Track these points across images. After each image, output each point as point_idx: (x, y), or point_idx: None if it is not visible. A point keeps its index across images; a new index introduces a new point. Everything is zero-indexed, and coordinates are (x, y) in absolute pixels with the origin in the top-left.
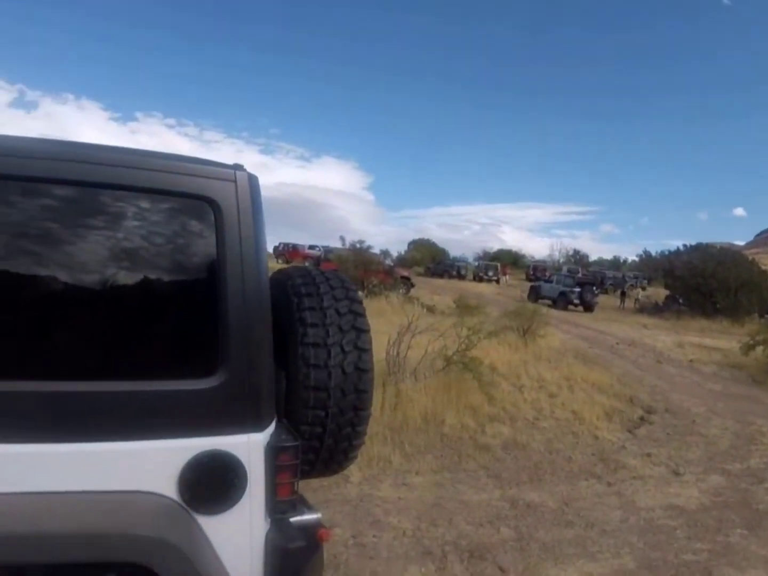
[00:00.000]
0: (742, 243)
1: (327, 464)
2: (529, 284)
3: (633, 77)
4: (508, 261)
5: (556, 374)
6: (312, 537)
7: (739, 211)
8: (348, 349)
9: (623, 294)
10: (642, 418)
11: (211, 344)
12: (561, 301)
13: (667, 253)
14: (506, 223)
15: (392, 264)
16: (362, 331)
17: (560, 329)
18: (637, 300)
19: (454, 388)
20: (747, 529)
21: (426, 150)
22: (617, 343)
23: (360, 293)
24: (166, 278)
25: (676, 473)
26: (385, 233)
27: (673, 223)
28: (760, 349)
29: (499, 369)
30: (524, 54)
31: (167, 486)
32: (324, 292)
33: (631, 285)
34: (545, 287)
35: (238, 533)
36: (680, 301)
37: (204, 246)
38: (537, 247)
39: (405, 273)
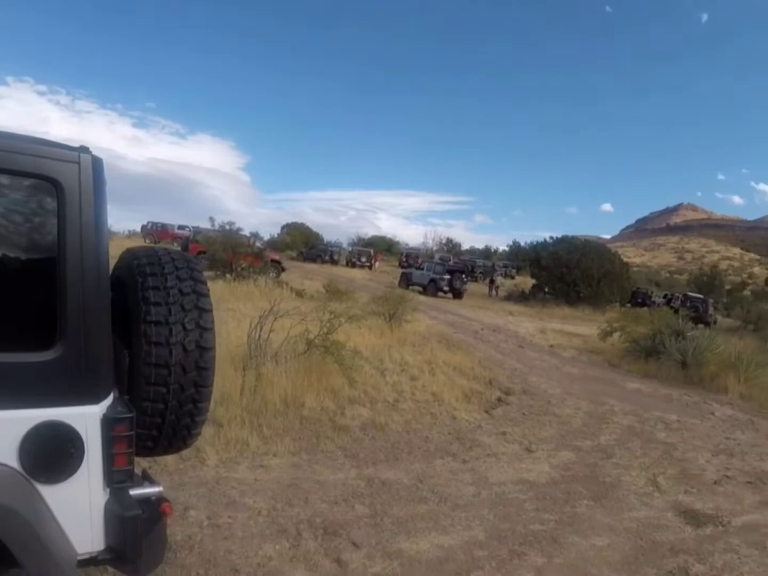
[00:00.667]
0: (608, 236)
1: (171, 441)
2: (401, 271)
3: (512, 81)
4: (382, 247)
5: (419, 358)
6: (152, 509)
7: (607, 207)
8: (190, 328)
9: (492, 282)
10: (500, 399)
11: (49, 319)
12: (431, 288)
13: (535, 243)
14: (383, 209)
15: (263, 247)
16: (204, 310)
17: (428, 315)
18: (497, 287)
19: (315, 372)
20: (593, 500)
21: (305, 133)
22: (482, 329)
23: (228, 275)
24: (6, 254)
25: (529, 450)
26: (260, 215)
27: (544, 215)
28: (616, 335)
29: (363, 353)
30: (413, 35)
31: (8, 455)
32: (168, 272)
33: (500, 274)
34: (416, 274)
35: (78, 501)
36: (546, 289)
37: (46, 225)
38: (412, 235)
39: (276, 257)
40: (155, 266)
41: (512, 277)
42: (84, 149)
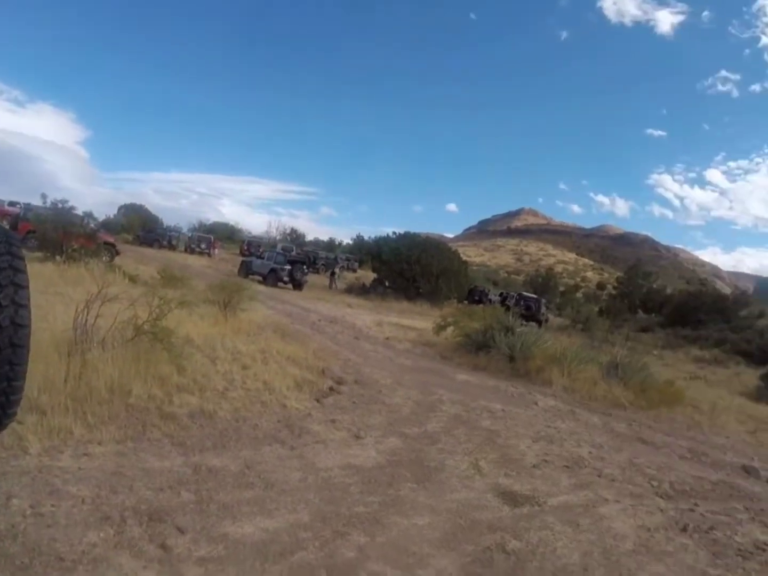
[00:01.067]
0: (451, 235)
1: None
2: (241, 259)
3: (365, 85)
4: (224, 234)
5: (252, 348)
6: None
7: (452, 207)
8: (5, 304)
9: (333, 274)
10: (331, 389)
11: None
12: (271, 278)
13: (378, 238)
14: (227, 195)
15: (96, 228)
16: (21, 287)
17: (266, 305)
18: (337, 277)
19: (143, 359)
20: (417, 483)
21: (149, 110)
22: (319, 320)
23: (58, 257)
24: None
25: (357, 437)
26: (97, 195)
27: (390, 212)
28: (450, 329)
29: (195, 341)
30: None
31: None
32: None
33: (342, 266)
34: (256, 263)
35: None
36: (386, 284)
37: None
38: (256, 223)
39: (110, 239)
40: None
41: (354, 271)
42: None
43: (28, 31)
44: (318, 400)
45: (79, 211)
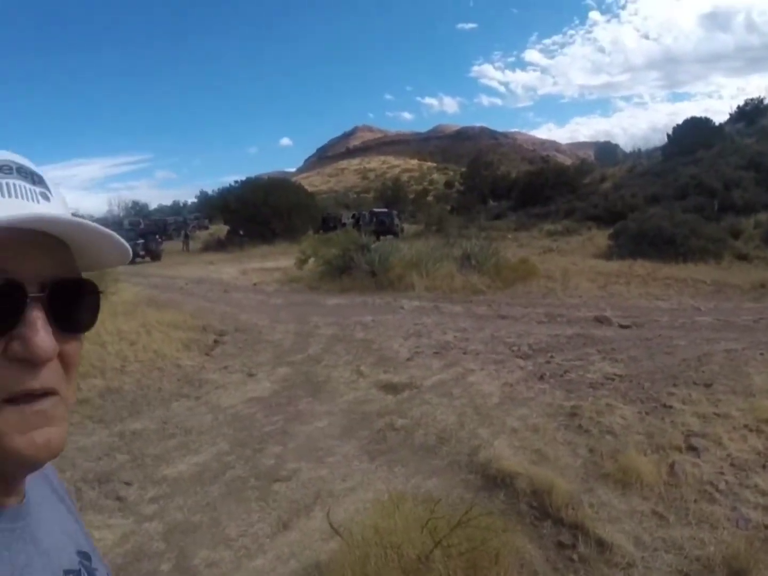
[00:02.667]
0: (293, 170)
1: None
2: None
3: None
4: None
5: (133, 324)
6: None
7: (286, 141)
8: None
9: (186, 236)
10: (216, 342)
11: None
12: None
13: (222, 190)
14: (56, 184)
15: None
16: None
17: (131, 282)
18: (187, 237)
19: None
20: (311, 397)
21: None
22: (186, 284)
23: None
24: None
25: (251, 374)
26: None
27: (225, 160)
28: (311, 260)
29: None
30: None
31: None
32: None
33: (193, 227)
34: None
35: None
36: (241, 233)
37: None
38: (94, 205)
39: None
40: None
41: (206, 228)
42: None
43: None
44: (207, 354)
45: None
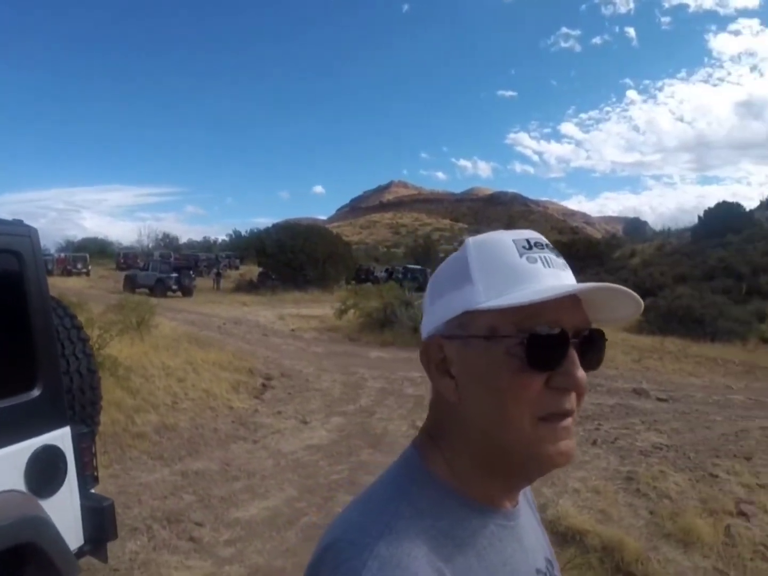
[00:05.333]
0: (324, 217)
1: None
2: (121, 273)
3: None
4: (95, 250)
5: (178, 360)
6: (107, 500)
7: (319, 189)
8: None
9: (218, 275)
10: (264, 385)
11: (28, 366)
12: (159, 288)
13: (256, 231)
14: (86, 207)
15: None
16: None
17: (166, 317)
18: (219, 275)
19: None
20: (371, 448)
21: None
22: (224, 323)
23: None
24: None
25: (305, 422)
26: None
27: (257, 201)
28: (351, 312)
29: (124, 363)
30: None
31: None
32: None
33: (225, 266)
34: (141, 275)
35: (65, 506)
36: (273, 276)
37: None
38: (122, 232)
39: None
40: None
41: (237, 268)
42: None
43: None
44: (257, 397)
45: None
